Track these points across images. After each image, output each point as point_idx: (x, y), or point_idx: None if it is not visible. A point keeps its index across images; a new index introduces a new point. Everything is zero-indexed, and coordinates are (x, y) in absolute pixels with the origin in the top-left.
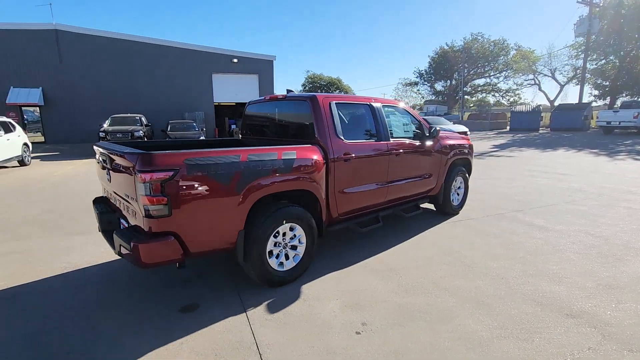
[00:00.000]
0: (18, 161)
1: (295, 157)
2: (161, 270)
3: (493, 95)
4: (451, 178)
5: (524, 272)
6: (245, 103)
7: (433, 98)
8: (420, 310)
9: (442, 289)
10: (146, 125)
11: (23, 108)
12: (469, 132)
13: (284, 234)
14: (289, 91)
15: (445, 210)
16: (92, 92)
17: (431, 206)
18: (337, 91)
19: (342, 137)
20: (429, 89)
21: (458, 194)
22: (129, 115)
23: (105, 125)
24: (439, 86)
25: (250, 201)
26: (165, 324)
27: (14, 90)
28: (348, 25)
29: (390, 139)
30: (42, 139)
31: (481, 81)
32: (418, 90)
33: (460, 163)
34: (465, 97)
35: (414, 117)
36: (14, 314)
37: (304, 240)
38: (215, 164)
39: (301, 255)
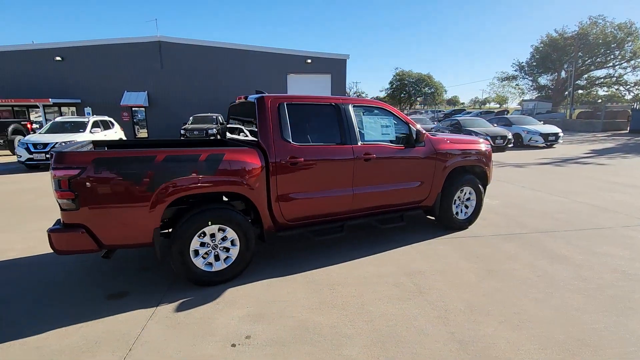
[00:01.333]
0: None
1: (222, 159)
2: (131, 257)
3: (617, 89)
4: (453, 188)
5: (481, 307)
6: None
7: (536, 93)
8: (319, 332)
9: (364, 313)
10: (221, 124)
11: (134, 109)
12: (561, 134)
13: (213, 235)
14: (257, 92)
15: (447, 223)
16: (184, 93)
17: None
18: (427, 88)
19: (290, 140)
20: (530, 83)
21: (467, 207)
22: (207, 114)
23: (188, 124)
24: (543, 80)
25: (165, 201)
26: (84, 307)
27: (126, 94)
28: (446, 19)
29: (359, 142)
30: (146, 135)
31: (601, 72)
32: (517, 84)
33: (470, 171)
34: (579, 91)
35: (399, 119)
36: None
37: (237, 243)
38: (124, 163)
39: (233, 258)
